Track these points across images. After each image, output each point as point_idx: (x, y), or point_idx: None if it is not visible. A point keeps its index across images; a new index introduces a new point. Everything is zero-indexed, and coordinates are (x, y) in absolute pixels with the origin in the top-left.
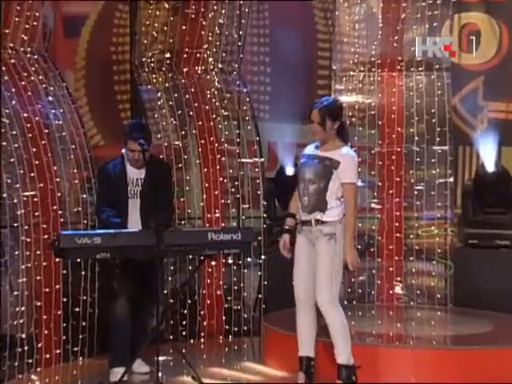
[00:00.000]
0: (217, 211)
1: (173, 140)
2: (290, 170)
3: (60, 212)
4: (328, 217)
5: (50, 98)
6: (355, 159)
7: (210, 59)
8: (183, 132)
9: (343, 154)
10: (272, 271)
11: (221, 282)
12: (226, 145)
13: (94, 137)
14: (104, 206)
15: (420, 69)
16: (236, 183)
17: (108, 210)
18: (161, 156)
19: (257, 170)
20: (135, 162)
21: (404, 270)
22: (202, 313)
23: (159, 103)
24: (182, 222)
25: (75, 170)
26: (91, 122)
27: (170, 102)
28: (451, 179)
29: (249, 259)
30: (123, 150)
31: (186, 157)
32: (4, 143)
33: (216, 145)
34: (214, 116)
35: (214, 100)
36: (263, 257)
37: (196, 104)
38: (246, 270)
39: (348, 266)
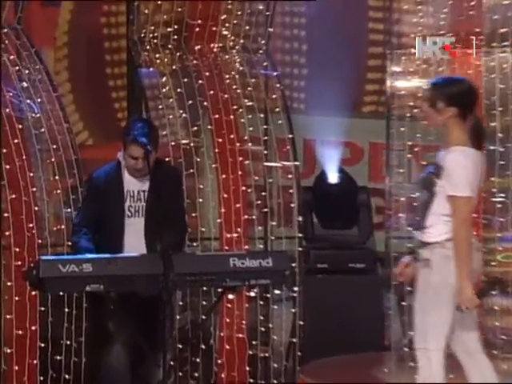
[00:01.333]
0: (238, 230)
1: (182, 138)
2: (333, 177)
3: (36, 231)
4: (426, 237)
5: (25, 84)
6: (462, 163)
7: (230, 34)
8: (195, 128)
9: (448, 157)
10: (310, 308)
11: (243, 322)
12: (249, 144)
13: (80, 134)
14: (82, 224)
15: (505, 44)
16: (263, 194)
17: (83, 231)
18: (167, 159)
19: (290, 176)
20: (137, 172)
21: (484, 308)
22: (219, 362)
23: (164, 91)
24: (194, 244)
25: (57, 177)
26: (77, 115)
27: (179, 90)
28: None
29: (279, 292)
30: (119, 155)
31: (198, 160)
32: None
33: (237, 144)
34: (235, 107)
35: (234, 86)
36: (298, 289)
37: (211, 92)
38: (275, 306)
39: (460, 306)
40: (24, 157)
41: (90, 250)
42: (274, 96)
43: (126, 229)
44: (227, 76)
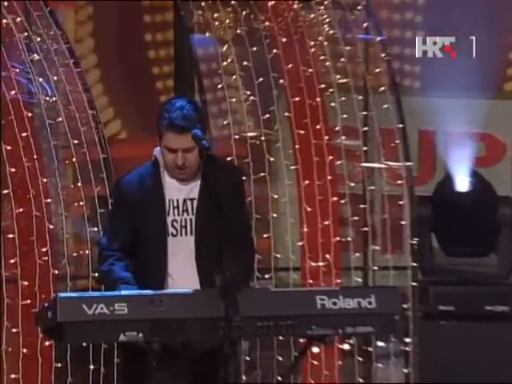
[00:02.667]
0: (327, 257)
1: (249, 130)
2: (461, 183)
3: (51, 258)
4: None
5: (36, 57)
6: None
7: None
8: (267, 115)
9: None
10: (428, 367)
11: None
12: (342, 138)
13: (109, 124)
14: (113, 247)
15: None
16: (361, 206)
17: (116, 256)
18: (229, 159)
19: (399, 182)
20: (179, 171)
21: None
22: None
23: (225, 64)
24: (266, 277)
25: (79, 184)
26: (105, 99)
27: (245, 62)
28: None
29: (385, 344)
30: (156, 151)
31: (272, 159)
32: None
33: (325, 138)
34: (323, 86)
35: (322, 57)
36: (412, 340)
37: (290, 65)
38: (380, 365)
39: None
40: (35, 156)
41: (127, 282)
42: (377, 70)
43: (170, 252)
44: (312, 43)
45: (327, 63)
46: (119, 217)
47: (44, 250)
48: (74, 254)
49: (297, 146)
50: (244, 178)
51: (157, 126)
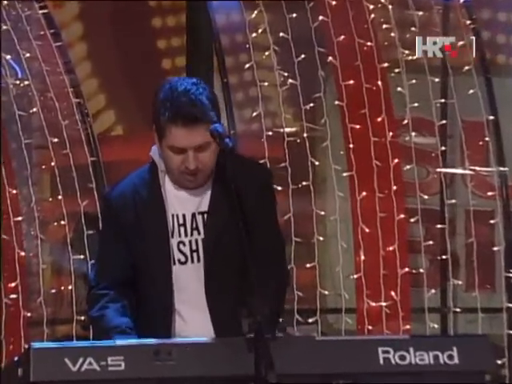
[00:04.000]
0: (392, 294)
1: (286, 124)
2: None
3: (23, 296)
4: None
5: (2, 27)
6: None
7: None
8: (310, 105)
9: None
10: None
11: None
12: (412, 134)
13: (100, 116)
14: (106, 282)
15: None
16: (438, 226)
17: (109, 296)
18: (261, 162)
19: (490, 194)
20: (191, 180)
21: None
22: None
23: (254, 36)
24: (310, 321)
25: (59, 197)
26: (95, 82)
27: (281, 34)
28: None
29: None
30: (153, 150)
31: (317, 163)
32: None
33: (389, 134)
34: (386, 65)
35: (384, 26)
36: None
37: (342, 37)
38: None
39: None
40: (1, 159)
41: (123, 330)
42: (459, 43)
43: (178, 285)
44: (371, 6)
45: (392, 34)
46: (111, 242)
47: (13, 284)
48: (53, 291)
49: (350, 146)
50: (280, 187)
51: (154, 120)
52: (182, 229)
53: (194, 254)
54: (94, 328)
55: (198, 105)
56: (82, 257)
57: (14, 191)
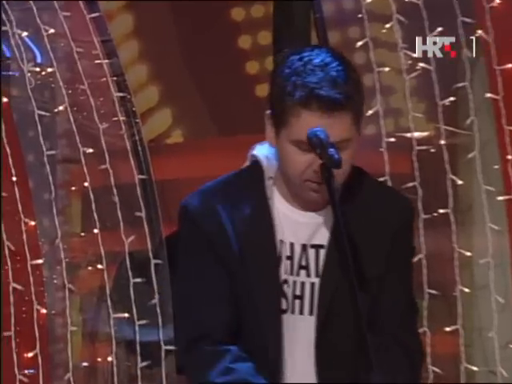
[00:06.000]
0: None
1: (415, 126)
2: None
3: (42, 370)
4: None
5: None
6: None
7: None
8: (450, 99)
9: None
10: None
11: None
12: None
13: (152, 117)
14: (219, 335)
15: None
16: None
17: (233, 353)
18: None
19: None
20: (318, 190)
21: None
22: None
23: (368, 1)
24: None
25: (95, 231)
26: (144, 69)
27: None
28: None
29: None
30: (257, 149)
31: (459, 182)
32: None
33: None
34: None
35: None
36: None
37: (498, 1)
38: None
39: None
40: (13, 178)
41: None
42: None
43: (288, 341)
44: None
45: None
46: (210, 272)
47: (30, 355)
48: (85, 364)
49: (508, 157)
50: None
51: (271, 102)
52: (288, 263)
53: (297, 303)
54: None
55: (340, 84)
56: (125, 315)
57: (32, 222)
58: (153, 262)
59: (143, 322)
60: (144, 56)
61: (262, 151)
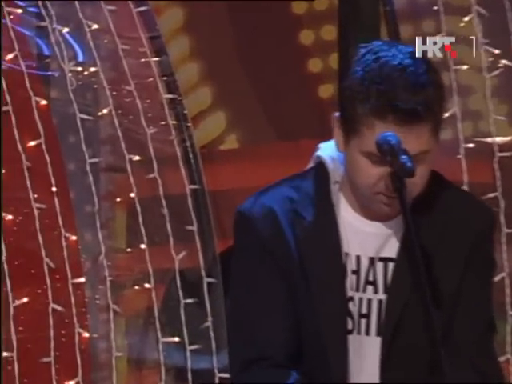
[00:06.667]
0: None
1: (497, 130)
2: None
3: None
4: None
5: None
6: None
7: None
8: None
9: None
10: None
11: None
12: None
13: (204, 120)
14: (280, 356)
15: None
16: None
17: (292, 375)
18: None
19: None
20: (390, 204)
21: None
22: None
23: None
24: None
25: (142, 246)
26: (195, 67)
27: None
28: None
29: None
30: (322, 150)
31: None
32: None
33: None
34: None
35: None
36: None
37: None
38: None
39: None
40: (52, 188)
41: None
42: None
43: (354, 365)
44: None
45: None
46: (270, 286)
47: (71, 383)
48: None
49: None
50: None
51: (342, 105)
52: (354, 278)
53: (363, 322)
54: None
55: (420, 91)
56: (175, 340)
57: (73, 237)
58: (205, 280)
59: (195, 346)
60: (195, 53)
61: (328, 152)
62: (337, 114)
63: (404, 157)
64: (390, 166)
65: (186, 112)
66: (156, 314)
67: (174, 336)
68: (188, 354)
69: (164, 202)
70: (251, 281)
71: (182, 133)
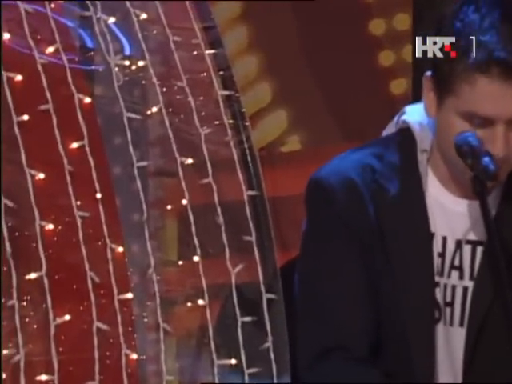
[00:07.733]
0: None
1: None
2: None
3: None
4: None
5: None
6: None
7: None
8: None
9: None
10: None
11: None
12: None
13: (265, 120)
14: (362, 348)
15: None
16: None
17: (371, 370)
18: None
19: None
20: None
21: None
22: None
23: None
24: None
25: (195, 258)
26: (254, 61)
27: None
28: None
29: None
30: (410, 115)
31: None
32: None
33: None
34: None
35: None
36: None
37: None
38: None
39: None
40: (97, 194)
41: None
42: None
43: (440, 358)
44: None
45: None
46: (352, 268)
47: None
48: None
49: None
50: None
51: (437, 62)
52: (439, 262)
53: (447, 310)
54: None
55: None
56: (232, 362)
57: (120, 249)
58: (265, 296)
59: (254, 370)
60: (254, 46)
61: (415, 117)
62: (428, 73)
63: (486, 159)
64: (470, 170)
65: (243, 110)
66: (210, 333)
67: (230, 358)
68: (246, 377)
69: (219, 210)
70: (328, 260)
71: (239, 133)
